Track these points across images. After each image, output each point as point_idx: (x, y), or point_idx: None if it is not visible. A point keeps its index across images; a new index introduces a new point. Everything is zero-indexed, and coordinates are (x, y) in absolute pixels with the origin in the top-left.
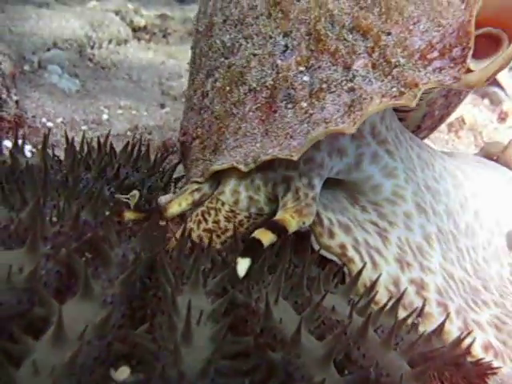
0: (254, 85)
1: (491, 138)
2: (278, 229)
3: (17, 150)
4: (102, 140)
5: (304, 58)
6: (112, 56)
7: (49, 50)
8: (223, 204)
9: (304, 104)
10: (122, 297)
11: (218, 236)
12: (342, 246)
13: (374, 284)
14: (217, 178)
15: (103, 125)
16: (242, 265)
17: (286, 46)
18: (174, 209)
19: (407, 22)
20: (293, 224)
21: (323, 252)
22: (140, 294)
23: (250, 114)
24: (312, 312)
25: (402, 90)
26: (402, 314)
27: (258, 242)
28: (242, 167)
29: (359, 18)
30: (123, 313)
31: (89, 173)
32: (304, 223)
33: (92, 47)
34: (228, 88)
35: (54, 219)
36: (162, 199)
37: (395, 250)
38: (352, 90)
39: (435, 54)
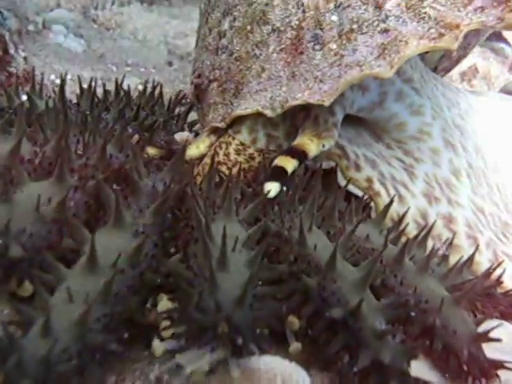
0: (278, 24)
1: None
2: (298, 154)
3: (34, 93)
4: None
5: None
6: (116, 17)
7: (52, 10)
8: (234, 138)
9: (333, 46)
10: (153, 227)
11: (229, 169)
12: (369, 180)
13: (403, 217)
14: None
15: (112, 81)
16: (272, 188)
17: None
18: (192, 151)
19: None
20: (312, 147)
21: (350, 187)
22: (171, 225)
23: (274, 55)
24: (347, 239)
25: (442, 31)
26: (431, 245)
27: (282, 168)
28: (268, 112)
29: None
30: (155, 243)
31: (108, 114)
32: (324, 146)
33: (95, 8)
34: (249, 27)
35: (80, 152)
36: (178, 136)
37: (422, 185)
38: (386, 31)
39: None
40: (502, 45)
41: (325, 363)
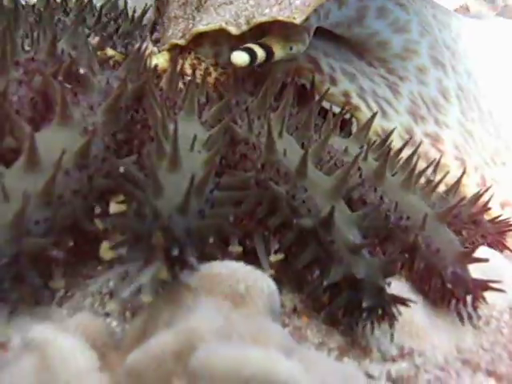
0: None
1: None
2: (265, 48)
3: None
4: None
5: None
6: None
7: None
8: (190, 52)
9: None
10: (105, 126)
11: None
12: (346, 94)
13: (390, 134)
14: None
15: None
16: (240, 56)
17: None
18: (153, 61)
19: None
20: (278, 47)
21: (325, 104)
22: (126, 126)
23: None
24: (321, 146)
25: None
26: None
27: (251, 50)
28: (232, 29)
29: None
30: (107, 144)
31: (66, 16)
32: (291, 49)
33: None
34: None
35: (27, 48)
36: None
37: (407, 103)
38: None
39: None
40: None
41: (294, 280)
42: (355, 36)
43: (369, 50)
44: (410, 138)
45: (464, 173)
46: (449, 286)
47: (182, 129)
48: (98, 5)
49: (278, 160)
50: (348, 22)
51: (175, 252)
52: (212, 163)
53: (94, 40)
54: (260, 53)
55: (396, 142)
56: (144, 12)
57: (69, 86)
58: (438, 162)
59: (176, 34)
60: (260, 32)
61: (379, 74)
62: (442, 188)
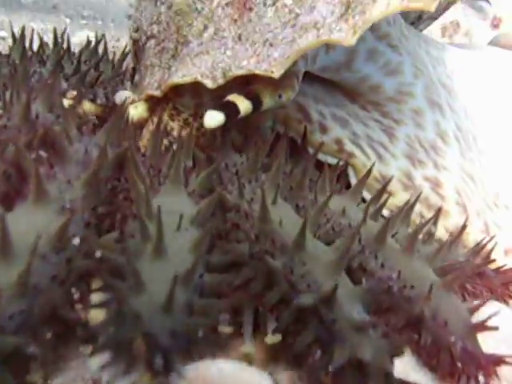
0: None
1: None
2: (252, 97)
3: None
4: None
5: None
6: None
7: None
8: (168, 102)
9: (288, 1)
10: (84, 201)
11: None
12: (338, 141)
13: (387, 182)
14: None
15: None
16: (213, 116)
17: None
18: (131, 111)
19: None
20: (266, 95)
21: (321, 156)
22: (108, 198)
23: (219, 10)
24: (318, 213)
25: None
26: (417, 207)
27: (232, 104)
28: (208, 82)
29: None
30: (86, 221)
31: (43, 67)
32: (281, 97)
33: None
34: None
35: None
36: (118, 96)
37: (403, 147)
38: None
39: None
40: (481, 2)
41: (293, 360)
42: (345, 80)
43: (361, 93)
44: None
45: (466, 222)
46: (458, 363)
47: (168, 204)
48: (77, 50)
49: (273, 230)
50: (336, 67)
51: (158, 361)
52: (200, 249)
53: (71, 94)
54: (244, 105)
55: (395, 187)
56: (124, 56)
57: (45, 154)
58: (439, 213)
59: (152, 83)
60: (244, 79)
61: (373, 117)
62: (442, 232)
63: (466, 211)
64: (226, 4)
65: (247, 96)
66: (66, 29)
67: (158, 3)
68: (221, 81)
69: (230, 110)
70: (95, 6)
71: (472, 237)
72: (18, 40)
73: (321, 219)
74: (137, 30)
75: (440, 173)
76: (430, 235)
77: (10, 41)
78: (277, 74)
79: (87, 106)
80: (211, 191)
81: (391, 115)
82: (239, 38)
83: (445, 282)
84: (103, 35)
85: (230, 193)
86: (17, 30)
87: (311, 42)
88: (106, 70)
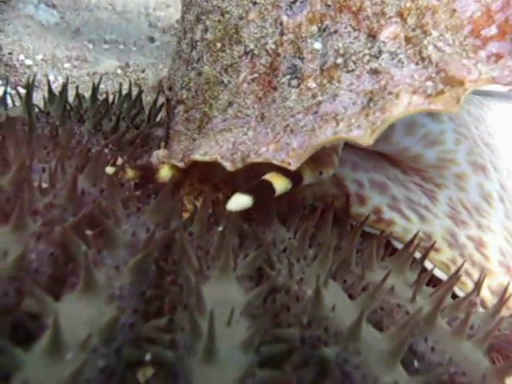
0: (252, 46)
1: None
2: (292, 174)
3: None
4: (92, 84)
5: (317, 16)
6: None
7: None
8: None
9: (313, 84)
10: (132, 287)
11: (196, 198)
12: (377, 210)
13: (430, 247)
14: None
15: (89, 61)
16: (238, 200)
17: None
18: (165, 172)
19: None
20: (307, 171)
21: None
22: (155, 281)
23: (245, 85)
24: (371, 297)
25: (442, 87)
26: (460, 262)
27: (267, 184)
28: (227, 165)
29: None
30: (134, 308)
31: (82, 125)
32: (321, 173)
33: None
34: (219, 45)
35: (45, 185)
36: (155, 156)
37: (446, 208)
38: (376, 72)
39: (493, 30)
40: None
41: None
42: (384, 151)
43: (401, 161)
44: (451, 246)
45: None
46: None
47: (217, 293)
48: (104, 80)
49: (326, 316)
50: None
51: None
52: (252, 348)
53: (117, 162)
54: (281, 183)
55: (440, 244)
56: (157, 109)
57: (91, 233)
58: (481, 284)
59: (178, 153)
60: None
61: (414, 181)
62: (486, 293)
63: (510, 271)
64: (252, 80)
65: (287, 173)
66: (99, 81)
67: (189, 67)
68: (239, 164)
69: (265, 189)
70: (116, 30)
71: None
72: (58, 98)
73: (373, 304)
74: (170, 88)
75: (484, 233)
76: (472, 305)
77: (35, 69)
78: (293, 166)
79: (129, 173)
80: (260, 269)
81: (433, 180)
82: (262, 118)
83: (496, 370)
84: (139, 91)
85: (278, 271)
86: (41, 57)
87: (328, 137)
88: (141, 125)
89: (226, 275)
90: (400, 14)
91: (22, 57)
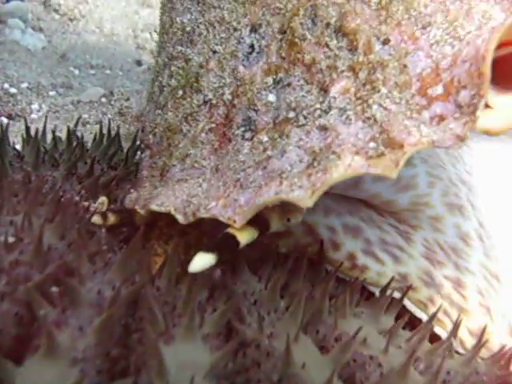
0: (211, 95)
1: None
2: (259, 222)
3: None
4: (72, 123)
5: (273, 68)
6: (80, 6)
7: (8, 1)
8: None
9: (265, 137)
10: (97, 348)
11: (166, 243)
12: (351, 256)
13: (408, 288)
14: None
15: (74, 89)
16: (199, 259)
17: (253, 47)
18: (140, 216)
19: (414, 23)
20: (274, 218)
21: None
22: (122, 339)
23: (203, 135)
24: (342, 352)
25: (382, 149)
26: (438, 301)
27: (231, 237)
28: (180, 218)
29: (348, 14)
30: (98, 369)
31: (56, 170)
32: (289, 220)
33: None
34: (181, 92)
35: (11, 239)
36: (128, 199)
37: (421, 249)
38: (324, 128)
39: (439, 89)
40: None
41: None
42: (355, 196)
43: (374, 205)
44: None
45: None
46: None
47: (181, 355)
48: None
49: (296, 374)
50: (343, 187)
51: None
52: None
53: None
54: (245, 234)
55: (416, 283)
56: (136, 147)
57: (56, 290)
58: (457, 329)
59: (140, 198)
60: None
61: (389, 222)
62: (465, 334)
63: (489, 312)
64: (210, 130)
65: (252, 222)
66: (78, 121)
67: (157, 112)
68: (191, 218)
69: (230, 241)
70: (103, 53)
71: (497, 338)
72: (32, 141)
73: (344, 356)
74: (143, 129)
75: (462, 274)
76: (450, 350)
77: (19, 97)
78: (239, 223)
79: (111, 218)
80: (229, 323)
81: (408, 222)
82: (216, 170)
83: None
84: (118, 130)
85: (248, 325)
86: (26, 85)
87: (270, 197)
88: (119, 165)
89: (190, 334)
90: (352, 69)
91: (6, 85)
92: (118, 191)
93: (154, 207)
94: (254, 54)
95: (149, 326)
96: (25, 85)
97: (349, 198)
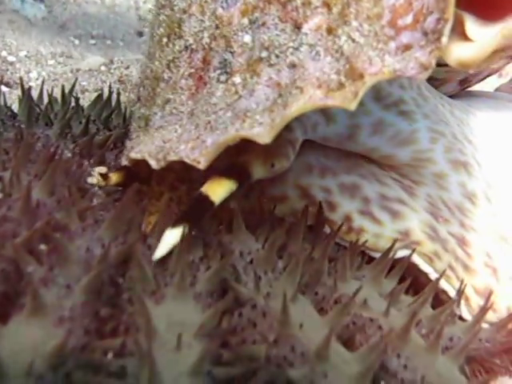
0: (191, 40)
1: None
2: (238, 172)
3: None
4: (66, 89)
5: (249, 7)
6: None
7: None
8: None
9: (238, 79)
10: (84, 307)
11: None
12: (347, 217)
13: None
14: None
15: (74, 58)
16: (167, 240)
17: None
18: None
19: None
20: (257, 166)
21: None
22: (111, 299)
23: (182, 81)
24: (341, 314)
25: (343, 80)
26: (443, 255)
27: (205, 199)
28: (153, 164)
29: None
30: (86, 328)
31: (49, 129)
32: (273, 166)
33: None
34: (165, 40)
35: None
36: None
37: (425, 204)
38: (293, 66)
39: (409, 19)
40: None
41: None
42: (352, 150)
43: (374, 159)
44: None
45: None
46: None
47: (171, 314)
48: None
49: (293, 335)
50: (338, 139)
51: None
52: (201, 372)
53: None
54: (220, 190)
55: (420, 237)
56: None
57: (45, 248)
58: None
59: (129, 150)
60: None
61: (391, 176)
62: (470, 291)
63: (496, 273)
64: (189, 75)
65: (230, 174)
66: (74, 83)
67: (145, 66)
68: (162, 163)
69: (199, 210)
70: (104, 24)
71: (503, 302)
72: (25, 99)
73: (343, 317)
74: (136, 85)
75: (467, 232)
76: (453, 315)
77: (17, 66)
78: (203, 165)
79: (114, 177)
80: (224, 281)
81: (410, 177)
82: (191, 114)
83: None
84: (118, 95)
85: (244, 284)
86: (25, 54)
87: (231, 135)
88: (117, 125)
89: (182, 293)
90: (326, 4)
91: (4, 53)
92: (113, 151)
93: (132, 155)
94: None
95: (138, 285)
96: (23, 53)
97: (349, 154)
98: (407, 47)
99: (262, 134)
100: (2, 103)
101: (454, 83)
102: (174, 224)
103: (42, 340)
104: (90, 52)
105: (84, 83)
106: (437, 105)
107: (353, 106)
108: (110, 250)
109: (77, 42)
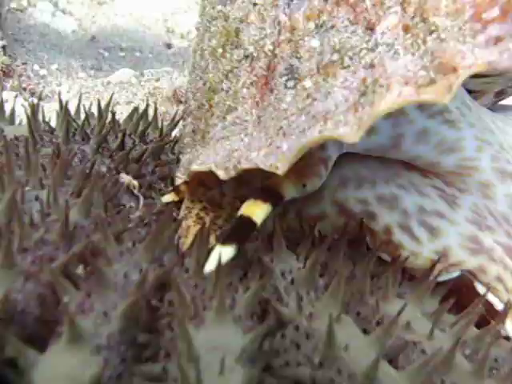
0: (251, 49)
1: None
2: (271, 194)
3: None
4: (103, 103)
5: (315, 12)
6: None
7: None
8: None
9: (308, 83)
10: (121, 335)
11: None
12: (387, 231)
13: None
14: None
15: (104, 70)
16: (217, 255)
17: None
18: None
19: None
20: (288, 186)
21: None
22: (149, 324)
23: (244, 91)
24: (386, 334)
25: (433, 76)
26: (490, 267)
27: (247, 220)
28: (221, 173)
29: None
30: (123, 357)
31: (86, 144)
32: (305, 186)
33: None
34: (221, 50)
35: (36, 217)
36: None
37: (468, 214)
38: (371, 66)
39: (495, 12)
40: None
41: None
42: (396, 158)
43: (417, 167)
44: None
45: None
46: None
47: (212, 338)
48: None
49: (339, 357)
50: (382, 149)
51: None
52: None
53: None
54: (262, 212)
55: (459, 255)
56: (174, 124)
57: (82, 272)
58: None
59: (183, 165)
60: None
61: (433, 185)
62: None
63: None
64: (251, 83)
65: (264, 197)
66: (111, 97)
67: (198, 78)
68: (232, 173)
69: (245, 230)
70: (133, 37)
71: None
72: (62, 114)
73: (389, 341)
74: (186, 100)
75: None
76: (498, 337)
77: (49, 79)
78: (281, 169)
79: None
80: (264, 302)
81: (455, 185)
82: (258, 122)
83: None
84: (155, 107)
85: (286, 304)
86: (56, 67)
87: (314, 137)
88: (153, 139)
89: (221, 317)
90: (400, 3)
91: (36, 67)
92: (151, 166)
93: (194, 167)
94: (296, 1)
95: (178, 310)
96: (55, 66)
97: (388, 163)
98: (498, 39)
99: (349, 133)
100: (41, 118)
101: (490, 95)
102: (224, 242)
103: (80, 370)
104: (119, 64)
105: (115, 96)
106: (480, 115)
107: (447, 99)
108: (147, 275)
109: (106, 54)
